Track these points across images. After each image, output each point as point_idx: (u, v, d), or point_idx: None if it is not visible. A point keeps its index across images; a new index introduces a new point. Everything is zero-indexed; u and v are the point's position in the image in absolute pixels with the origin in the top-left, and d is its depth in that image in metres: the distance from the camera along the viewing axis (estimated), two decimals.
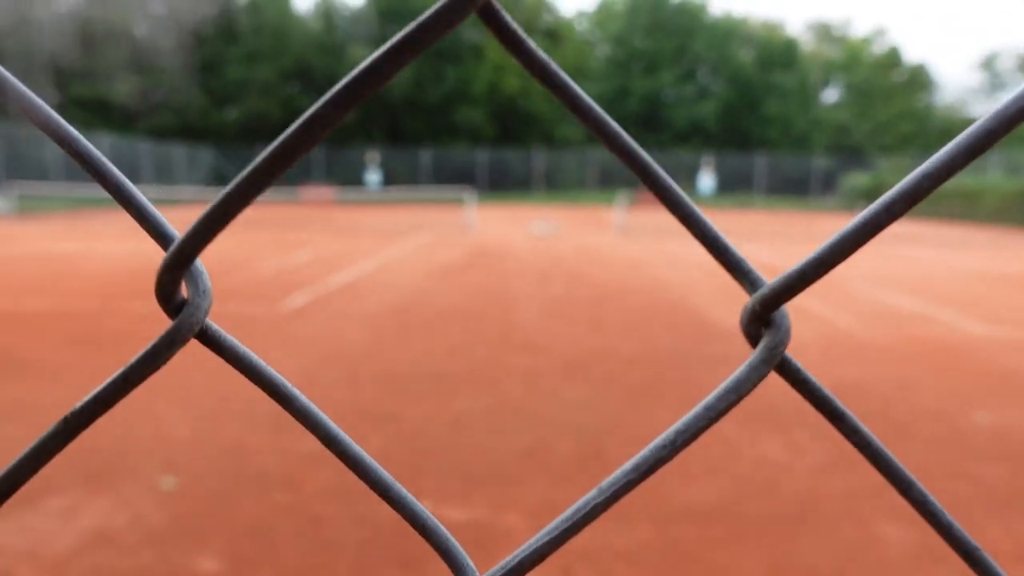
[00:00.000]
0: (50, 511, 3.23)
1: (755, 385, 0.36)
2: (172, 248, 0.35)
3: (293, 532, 3.12)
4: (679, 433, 0.36)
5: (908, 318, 8.17)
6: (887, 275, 11.94)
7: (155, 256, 13.18)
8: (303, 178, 42.46)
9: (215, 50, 42.61)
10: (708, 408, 0.36)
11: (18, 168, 29.91)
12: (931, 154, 0.31)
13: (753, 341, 0.38)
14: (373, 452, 3.99)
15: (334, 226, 21.82)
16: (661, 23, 50.59)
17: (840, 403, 0.39)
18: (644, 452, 0.36)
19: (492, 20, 0.31)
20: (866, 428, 0.39)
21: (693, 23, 50.67)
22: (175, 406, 4.68)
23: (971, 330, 7.52)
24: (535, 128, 48.10)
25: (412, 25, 0.26)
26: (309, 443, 4.11)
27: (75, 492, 3.41)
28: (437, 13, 0.26)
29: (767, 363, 0.36)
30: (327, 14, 46.55)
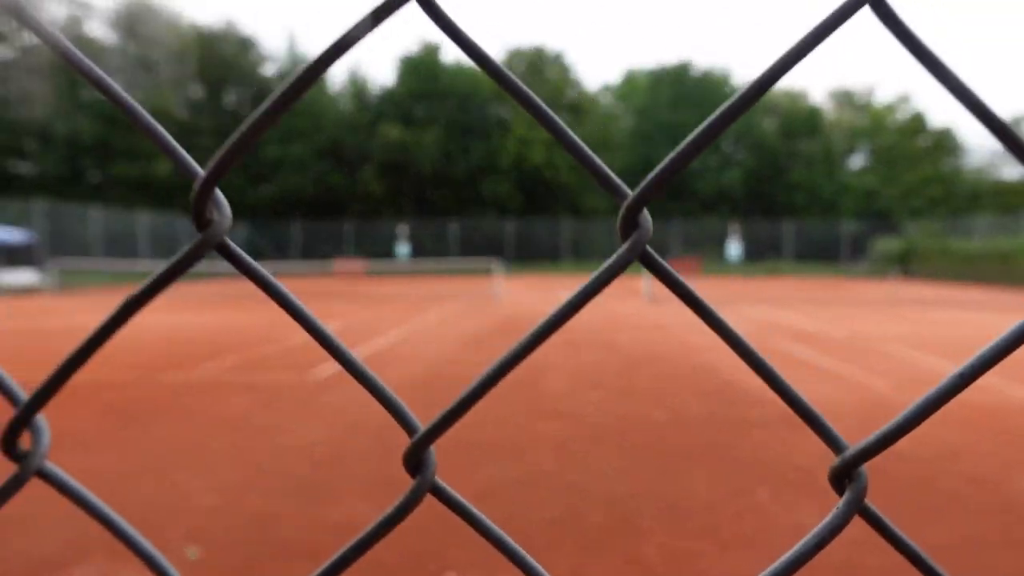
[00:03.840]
0: None
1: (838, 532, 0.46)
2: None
3: None
4: None
5: None
6: (923, 338, 11.66)
7: (188, 330, 13.29)
8: (336, 251, 43.28)
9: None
10: (798, 554, 0.45)
11: (61, 244, 30.94)
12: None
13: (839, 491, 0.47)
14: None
15: (364, 297, 22.06)
16: (684, 95, 51.59)
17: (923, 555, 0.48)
18: None
19: None
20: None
21: (716, 94, 51.55)
22: (201, 475, 4.67)
23: (1017, 394, 7.26)
24: (561, 198, 48.68)
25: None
26: (334, 513, 4.05)
27: (100, 562, 3.38)
28: None
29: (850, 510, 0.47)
30: (358, 94, 48.22)
